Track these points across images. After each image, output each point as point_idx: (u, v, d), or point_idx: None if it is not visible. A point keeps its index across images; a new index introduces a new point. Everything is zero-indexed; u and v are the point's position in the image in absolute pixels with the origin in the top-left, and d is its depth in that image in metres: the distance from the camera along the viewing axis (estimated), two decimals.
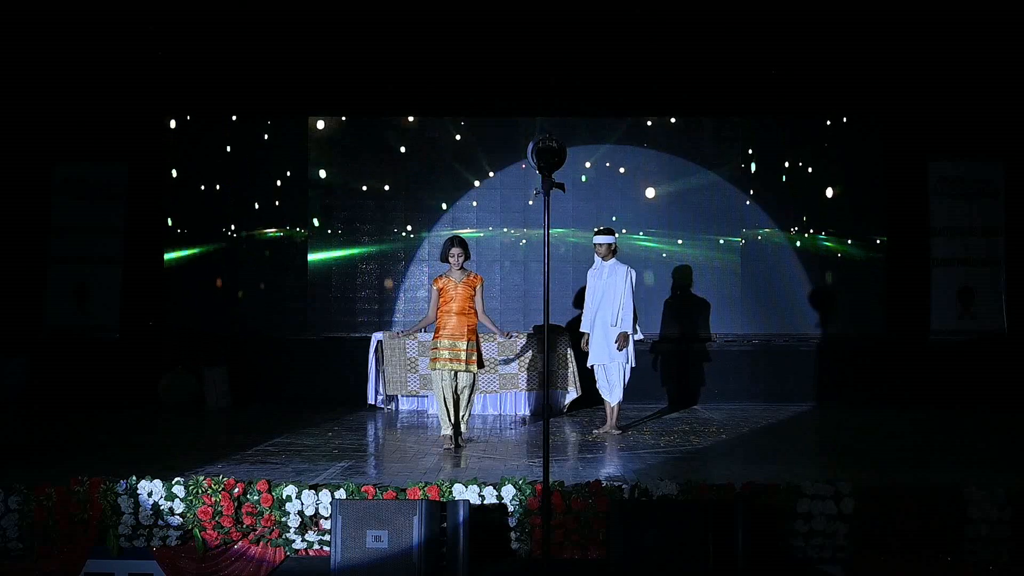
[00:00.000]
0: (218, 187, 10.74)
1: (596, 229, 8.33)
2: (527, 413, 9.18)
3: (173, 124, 10.65)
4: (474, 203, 10.76)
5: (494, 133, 10.74)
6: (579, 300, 10.35)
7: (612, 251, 7.96)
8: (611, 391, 7.94)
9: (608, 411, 8.05)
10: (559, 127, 10.48)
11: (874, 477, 5.66)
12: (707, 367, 10.17)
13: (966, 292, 10.17)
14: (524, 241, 10.77)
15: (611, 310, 7.83)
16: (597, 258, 8.03)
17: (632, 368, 7.99)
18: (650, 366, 10.01)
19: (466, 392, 7.32)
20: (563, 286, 10.44)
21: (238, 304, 10.63)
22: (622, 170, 10.71)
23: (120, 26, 9.81)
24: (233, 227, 10.73)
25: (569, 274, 10.53)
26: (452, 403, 7.27)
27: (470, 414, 7.48)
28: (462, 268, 7.33)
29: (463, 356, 7.21)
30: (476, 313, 7.31)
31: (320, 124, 10.78)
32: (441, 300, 7.29)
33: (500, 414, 9.21)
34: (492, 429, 8.36)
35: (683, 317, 10.45)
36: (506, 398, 9.26)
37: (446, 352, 7.21)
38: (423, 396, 9.32)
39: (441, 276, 7.38)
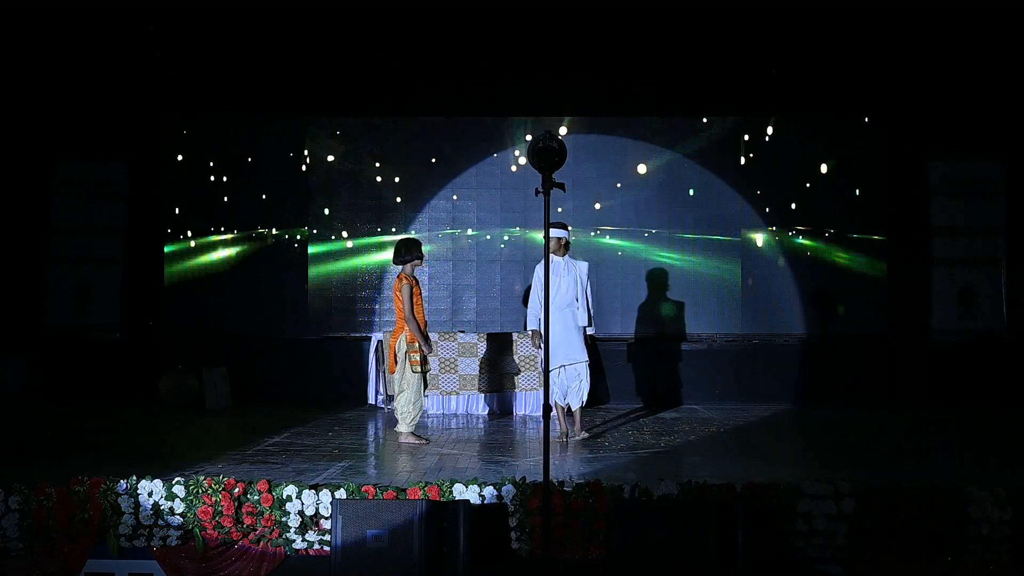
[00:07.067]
0: (218, 187, 10.73)
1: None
2: (523, 413, 9.23)
3: (173, 123, 10.64)
4: (474, 203, 10.76)
5: (496, 133, 10.73)
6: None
7: (565, 246, 7.66)
8: (579, 393, 7.54)
9: (576, 415, 7.63)
10: (558, 126, 10.50)
11: (874, 477, 5.65)
12: (706, 367, 10.16)
13: (966, 292, 10.16)
14: (524, 241, 10.76)
15: (575, 307, 7.53)
16: (551, 254, 7.89)
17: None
18: (651, 366, 10.02)
19: None
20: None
21: (238, 304, 10.63)
22: (621, 169, 10.70)
23: (120, 26, 9.82)
24: (233, 227, 10.72)
25: None
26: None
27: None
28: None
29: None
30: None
31: (320, 124, 10.78)
32: (416, 300, 7.26)
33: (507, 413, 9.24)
34: (491, 429, 8.35)
35: (679, 316, 10.48)
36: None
37: (417, 355, 7.26)
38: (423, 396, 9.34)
39: (410, 276, 7.30)
